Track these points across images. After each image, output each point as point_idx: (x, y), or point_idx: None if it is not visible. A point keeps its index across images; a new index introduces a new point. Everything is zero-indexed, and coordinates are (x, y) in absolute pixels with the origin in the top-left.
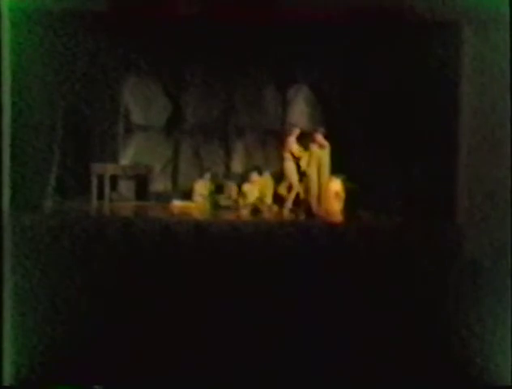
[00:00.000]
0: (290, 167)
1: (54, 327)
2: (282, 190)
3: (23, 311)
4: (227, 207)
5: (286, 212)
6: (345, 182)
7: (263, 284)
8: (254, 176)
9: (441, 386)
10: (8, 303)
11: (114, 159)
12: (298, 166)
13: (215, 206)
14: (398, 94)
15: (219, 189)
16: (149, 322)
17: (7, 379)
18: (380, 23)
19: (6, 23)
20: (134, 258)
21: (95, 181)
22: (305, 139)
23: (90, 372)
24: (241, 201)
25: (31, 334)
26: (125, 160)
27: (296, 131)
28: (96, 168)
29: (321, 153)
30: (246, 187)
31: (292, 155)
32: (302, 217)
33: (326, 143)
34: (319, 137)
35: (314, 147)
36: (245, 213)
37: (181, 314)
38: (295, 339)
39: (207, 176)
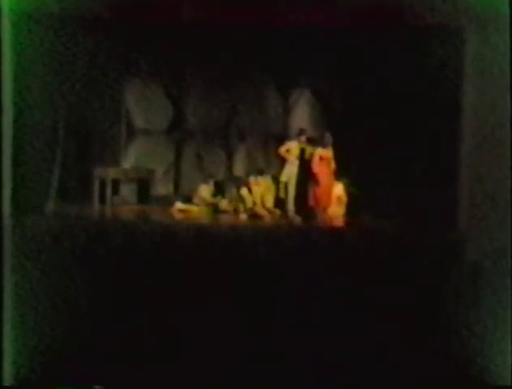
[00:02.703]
0: (291, 171)
1: (54, 327)
2: (283, 193)
3: (23, 311)
4: (228, 211)
5: (290, 216)
6: (348, 187)
7: (264, 287)
8: (253, 179)
9: (441, 386)
10: (8, 303)
11: (116, 162)
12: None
13: (217, 210)
14: (399, 95)
15: (220, 192)
16: (149, 324)
17: (7, 379)
18: (381, 24)
19: (7, 24)
20: (134, 260)
21: (97, 185)
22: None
23: (90, 372)
24: (241, 205)
25: (31, 334)
26: (127, 163)
27: (303, 138)
28: (98, 171)
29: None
30: (245, 191)
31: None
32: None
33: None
34: (327, 143)
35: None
36: (243, 217)
37: (182, 316)
38: (295, 341)
39: (210, 182)
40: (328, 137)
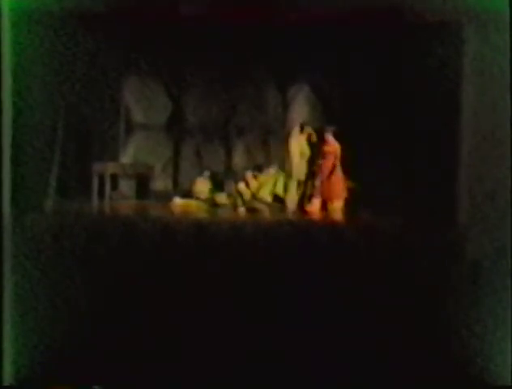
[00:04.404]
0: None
1: (54, 327)
2: (279, 189)
3: (23, 311)
4: (226, 206)
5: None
6: (347, 182)
7: (263, 284)
8: (251, 174)
9: (441, 386)
10: (8, 303)
11: (115, 158)
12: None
13: (214, 204)
14: (399, 94)
15: (219, 187)
16: (149, 322)
17: (7, 379)
18: (380, 23)
19: (7, 23)
20: (134, 256)
21: (95, 180)
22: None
23: (90, 372)
24: (238, 199)
25: (31, 334)
26: (125, 158)
27: (308, 130)
28: (97, 167)
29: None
30: (243, 185)
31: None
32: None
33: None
34: (330, 137)
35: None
36: (241, 212)
37: (181, 314)
38: (295, 340)
39: (206, 174)
40: (328, 129)
